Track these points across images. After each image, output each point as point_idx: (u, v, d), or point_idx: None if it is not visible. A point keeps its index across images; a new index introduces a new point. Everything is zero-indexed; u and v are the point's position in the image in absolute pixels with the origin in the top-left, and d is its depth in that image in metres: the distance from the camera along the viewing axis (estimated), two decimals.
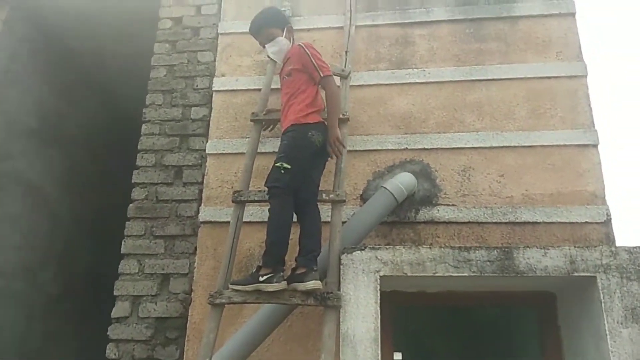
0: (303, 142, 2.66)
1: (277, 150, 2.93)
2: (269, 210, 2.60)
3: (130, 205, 3.36)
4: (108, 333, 3.06)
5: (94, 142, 5.55)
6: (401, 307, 3.36)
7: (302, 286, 2.39)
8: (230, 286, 2.53)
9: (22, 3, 4.29)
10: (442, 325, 6.09)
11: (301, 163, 2.63)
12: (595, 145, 3.11)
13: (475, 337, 5.58)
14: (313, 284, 2.38)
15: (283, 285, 2.44)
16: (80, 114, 5.35)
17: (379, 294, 2.42)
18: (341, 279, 2.49)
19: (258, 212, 3.16)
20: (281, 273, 2.49)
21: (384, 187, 2.98)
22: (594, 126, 3.15)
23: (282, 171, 2.57)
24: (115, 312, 3.10)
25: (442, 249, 2.48)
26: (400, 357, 7.34)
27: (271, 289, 2.41)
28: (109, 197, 5.39)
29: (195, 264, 3.15)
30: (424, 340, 6.53)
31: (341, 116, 3.07)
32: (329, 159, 2.85)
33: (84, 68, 5.25)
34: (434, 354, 6.82)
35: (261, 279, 2.44)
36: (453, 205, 3.09)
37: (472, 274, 2.39)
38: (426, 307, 5.42)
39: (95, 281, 5.09)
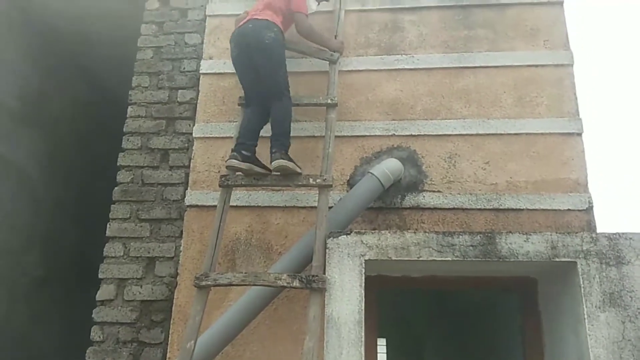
0: None
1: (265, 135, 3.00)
2: None
3: (116, 188, 3.34)
4: (93, 316, 3.05)
5: (78, 123, 5.46)
6: (386, 292, 3.40)
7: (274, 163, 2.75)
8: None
9: None
10: (426, 310, 6.21)
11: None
12: (579, 134, 3.15)
13: (458, 322, 5.69)
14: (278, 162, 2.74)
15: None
16: (64, 95, 5.26)
17: (363, 278, 2.45)
18: (327, 263, 2.51)
19: (245, 197, 3.16)
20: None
21: (371, 173, 3.00)
22: (578, 115, 3.18)
23: None
24: (100, 295, 3.09)
25: (427, 233, 2.50)
26: (385, 343, 7.45)
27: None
28: (94, 179, 5.33)
29: (182, 247, 3.14)
30: (408, 325, 6.64)
31: (329, 101, 3.09)
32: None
33: (68, 48, 5.13)
34: (418, 337, 6.92)
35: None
36: (438, 191, 3.11)
37: (455, 259, 2.42)
38: (411, 291, 5.50)
39: (80, 264, 5.06)
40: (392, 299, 5.42)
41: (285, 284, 2.46)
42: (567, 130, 3.16)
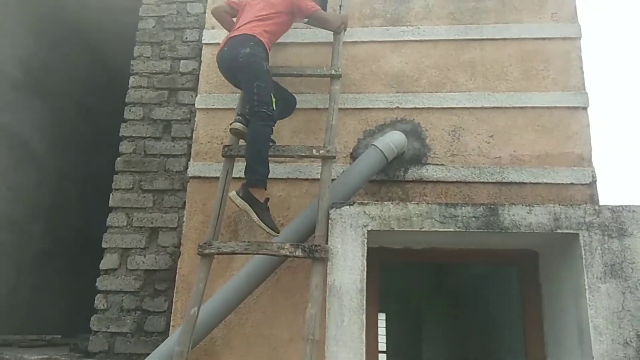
0: None
1: None
2: None
3: (118, 158, 3.34)
4: (96, 284, 3.09)
5: (81, 94, 5.44)
6: (387, 266, 3.42)
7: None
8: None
9: None
10: (425, 285, 6.26)
11: None
12: (585, 108, 3.12)
13: (457, 296, 5.75)
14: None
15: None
16: (68, 65, 5.22)
17: (366, 248, 2.46)
18: (329, 233, 2.52)
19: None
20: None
21: (374, 145, 2.98)
22: (584, 88, 3.15)
23: None
24: (103, 264, 3.12)
25: (429, 204, 2.50)
26: (384, 318, 7.53)
27: None
28: (97, 150, 5.34)
29: (184, 218, 3.16)
30: (408, 299, 6.69)
31: (333, 72, 3.05)
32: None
33: (71, 18, 5.08)
34: (417, 312, 6.99)
35: None
36: (442, 164, 3.10)
37: (458, 230, 2.43)
38: (411, 265, 5.55)
39: (84, 235, 5.10)
40: (392, 273, 5.46)
41: (287, 253, 2.47)
42: (573, 104, 3.13)
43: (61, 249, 4.98)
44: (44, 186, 4.81)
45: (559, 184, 2.99)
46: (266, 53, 2.89)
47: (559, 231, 2.39)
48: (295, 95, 3.18)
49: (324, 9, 3.24)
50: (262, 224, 2.57)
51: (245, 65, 2.79)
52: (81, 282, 4.25)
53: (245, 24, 2.92)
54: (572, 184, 2.99)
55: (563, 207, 2.43)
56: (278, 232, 2.61)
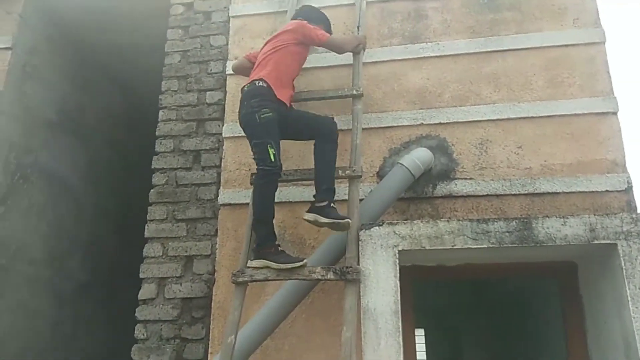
0: None
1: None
2: None
3: (152, 190, 3.44)
4: (136, 314, 3.16)
5: (113, 131, 5.65)
6: (421, 281, 3.39)
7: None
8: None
9: None
10: (463, 299, 6.14)
11: None
12: (614, 113, 3.05)
13: (496, 310, 5.62)
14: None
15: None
16: (100, 104, 5.44)
17: (398, 268, 2.45)
18: (360, 255, 2.52)
19: (276, 193, 3.19)
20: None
21: (400, 163, 2.98)
22: (613, 93, 3.09)
23: None
24: (142, 294, 3.19)
25: (460, 221, 2.48)
26: (423, 333, 7.40)
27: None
28: (130, 183, 5.50)
29: (217, 245, 3.21)
30: (446, 314, 6.57)
31: (355, 92, 3.08)
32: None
33: (101, 60, 5.30)
34: (455, 327, 6.86)
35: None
36: (471, 178, 3.07)
37: (491, 246, 2.39)
38: (448, 280, 5.47)
39: (121, 266, 5.23)
40: (429, 289, 5.39)
41: (319, 277, 2.48)
42: (602, 109, 3.07)
43: (99, 281, 5.11)
44: (81, 221, 4.97)
45: (593, 192, 2.92)
46: (266, 96, 2.77)
47: (596, 242, 2.33)
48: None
49: (329, 32, 3.17)
50: (283, 266, 2.52)
51: (244, 129, 2.84)
52: (120, 313, 4.35)
53: (253, 71, 2.94)
54: (607, 191, 2.91)
55: (599, 217, 2.37)
56: (302, 260, 2.54)
